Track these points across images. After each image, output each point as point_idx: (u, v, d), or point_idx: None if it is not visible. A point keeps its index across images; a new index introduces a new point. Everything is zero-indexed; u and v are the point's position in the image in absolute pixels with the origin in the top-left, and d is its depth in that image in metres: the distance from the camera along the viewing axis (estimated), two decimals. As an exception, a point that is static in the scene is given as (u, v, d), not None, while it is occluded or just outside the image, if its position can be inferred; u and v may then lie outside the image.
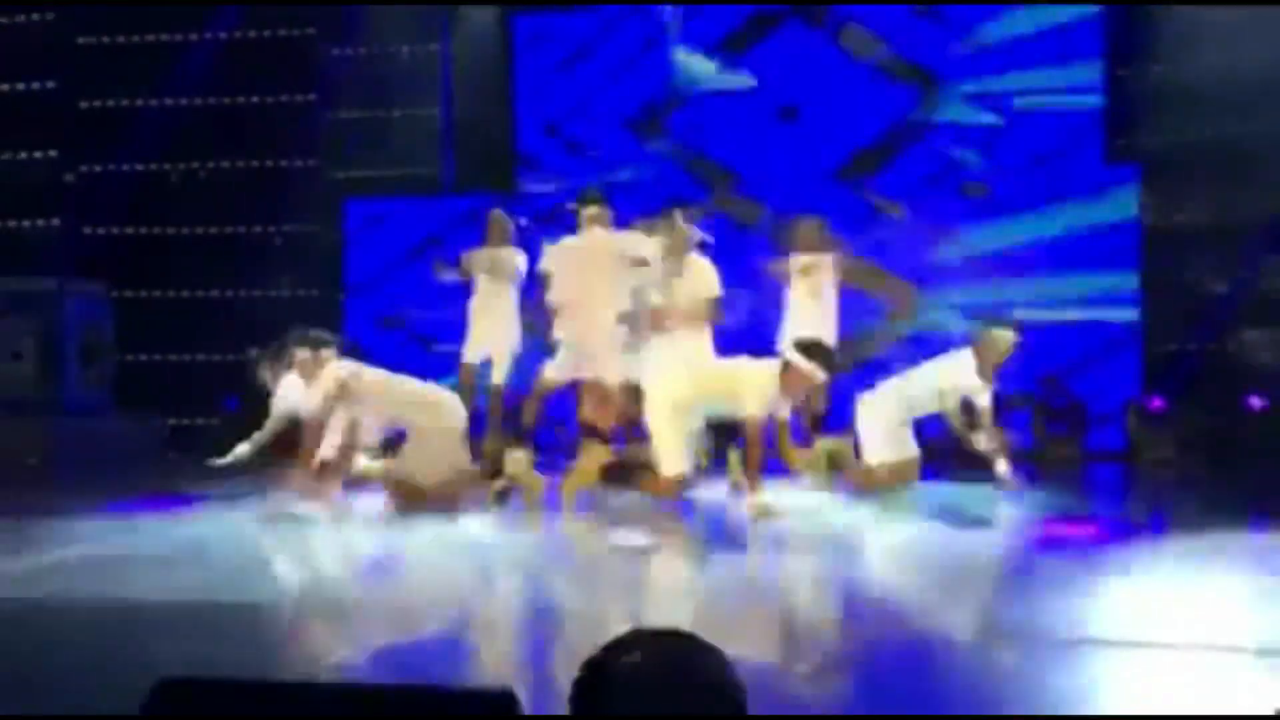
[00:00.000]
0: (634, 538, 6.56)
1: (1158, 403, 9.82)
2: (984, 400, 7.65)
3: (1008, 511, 7.41)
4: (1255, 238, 9.84)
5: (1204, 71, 9.74)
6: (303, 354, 7.67)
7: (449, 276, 8.82)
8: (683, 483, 7.05)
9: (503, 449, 8.18)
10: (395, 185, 11.56)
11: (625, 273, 7.93)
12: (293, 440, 7.81)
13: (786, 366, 6.93)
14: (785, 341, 8.24)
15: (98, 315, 11.20)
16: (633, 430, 7.94)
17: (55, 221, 11.89)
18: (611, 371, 7.95)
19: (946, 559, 6.20)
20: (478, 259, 8.72)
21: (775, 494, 7.23)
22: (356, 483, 7.85)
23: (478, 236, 8.97)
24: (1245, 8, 9.58)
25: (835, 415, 8.38)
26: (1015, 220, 10.31)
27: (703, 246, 8.18)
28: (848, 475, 7.88)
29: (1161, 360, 10.15)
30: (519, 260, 8.63)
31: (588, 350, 7.92)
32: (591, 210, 7.99)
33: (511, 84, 11.71)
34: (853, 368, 8.48)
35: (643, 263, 7.93)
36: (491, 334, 8.66)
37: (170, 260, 11.82)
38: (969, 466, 7.94)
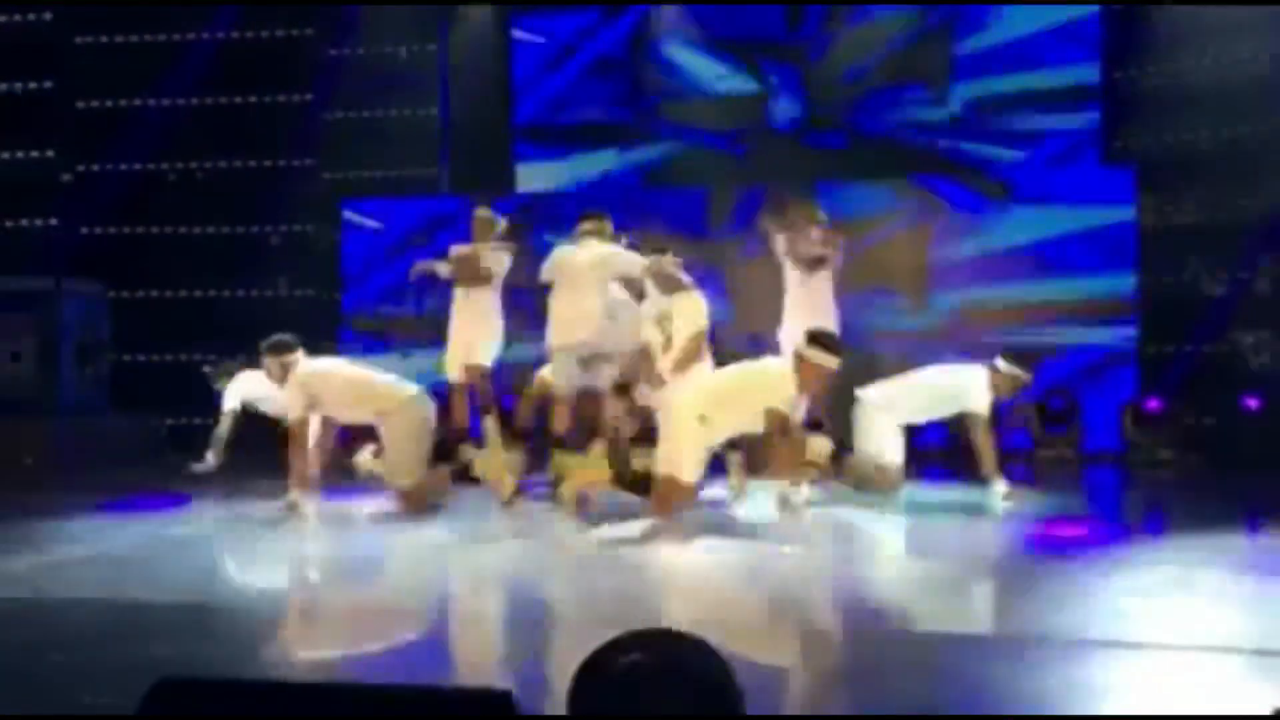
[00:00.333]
0: (625, 530, 6.62)
1: (1154, 404, 9.83)
2: (981, 423, 7.63)
3: (1003, 512, 7.41)
4: (1252, 238, 9.85)
5: (1201, 73, 9.75)
6: (270, 361, 7.68)
7: (429, 272, 8.80)
8: (693, 491, 7.05)
9: (467, 447, 8.30)
10: (392, 186, 11.56)
11: (613, 286, 8.00)
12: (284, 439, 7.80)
13: (800, 361, 6.91)
14: (786, 329, 8.29)
15: (94, 315, 11.20)
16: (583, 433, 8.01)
17: (52, 221, 11.88)
18: (605, 380, 8.03)
19: (943, 560, 6.20)
20: (461, 260, 8.68)
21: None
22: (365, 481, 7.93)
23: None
24: (1241, 9, 9.59)
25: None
26: (1013, 222, 10.31)
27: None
28: (849, 474, 7.86)
29: (1158, 361, 10.16)
30: (503, 260, 8.61)
31: (583, 358, 7.99)
32: (587, 225, 8.03)
33: (509, 85, 11.71)
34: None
35: (630, 279, 7.99)
36: (468, 341, 8.61)
37: (167, 260, 11.81)
38: (965, 467, 7.95)
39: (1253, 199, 9.77)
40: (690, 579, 5.81)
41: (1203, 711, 3.37)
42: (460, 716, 1.80)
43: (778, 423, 6.80)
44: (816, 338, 7.00)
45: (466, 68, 11.68)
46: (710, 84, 11.33)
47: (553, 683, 3.76)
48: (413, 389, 7.69)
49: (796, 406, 7.02)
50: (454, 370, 8.62)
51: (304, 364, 7.54)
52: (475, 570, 6.17)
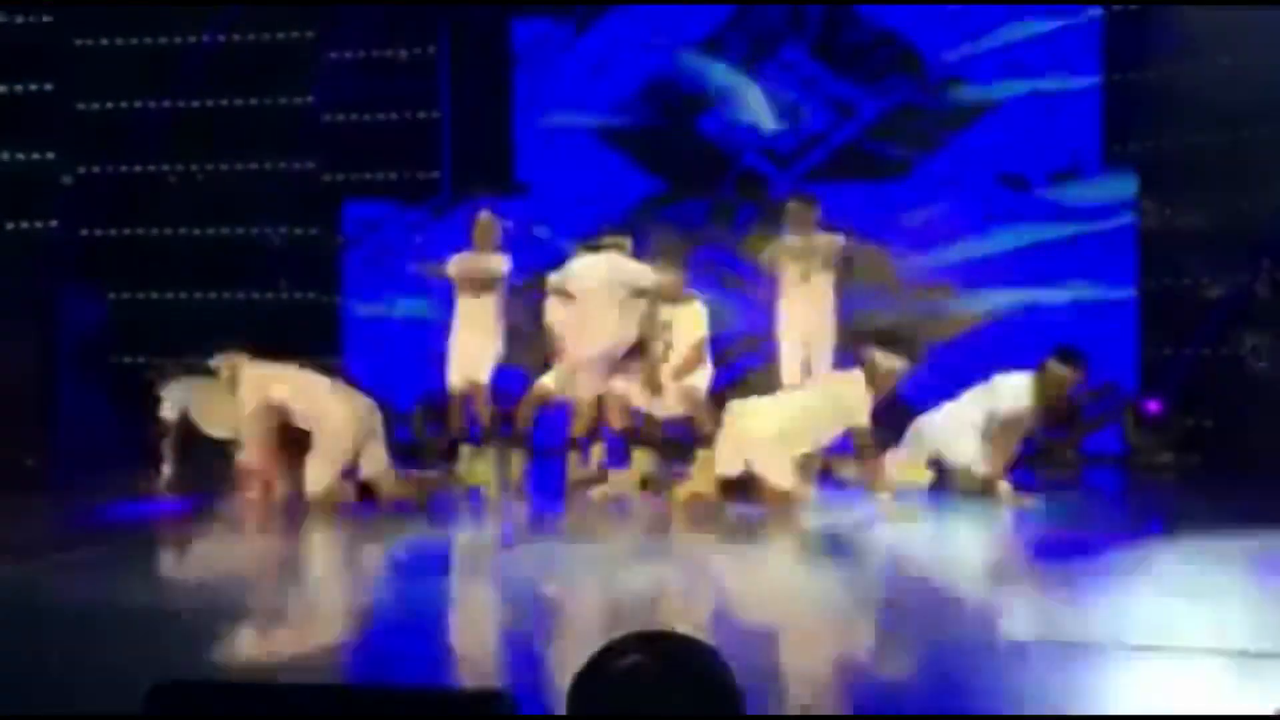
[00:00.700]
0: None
1: (1155, 406, 9.82)
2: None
3: (1005, 516, 7.41)
4: (1253, 241, 9.84)
5: (1202, 76, 9.74)
6: (219, 368, 7.72)
7: (435, 274, 8.84)
8: (793, 497, 7.08)
9: (455, 447, 8.40)
10: (393, 188, 11.55)
11: (629, 301, 8.04)
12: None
13: (870, 365, 6.96)
14: (784, 329, 8.34)
15: (94, 317, 11.18)
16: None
17: (52, 223, 11.87)
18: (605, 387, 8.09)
19: (944, 563, 6.20)
20: (463, 266, 8.71)
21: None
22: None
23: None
24: (1243, 12, 9.58)
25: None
26: (1013, 225, 10.30)
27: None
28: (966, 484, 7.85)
29: (1159, 364, 10.15)
30: (504, 267, 8.66)
31: (586, 366, 8.05)
32: (607, 240, 8.25)
33: (510, 87, 11.70)
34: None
35: (643, 294, 8.03)
36: (472, 354, 8.68)
37: (168, 262, 11.80)
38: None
39: (1255, 202, 9.76)
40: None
41: (1204, 712, 3.36)
42: (460, 717, 1.80)
43: (863, 435, 6.89)
44: (883, 340, 7.08)
45: (467, 70, 11.67)
46: (712, 87, 11.30)
47: (553, 684, 3.75)
48: (361, 395, 7.78)
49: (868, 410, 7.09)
50: (455, 377, 8.67)
51: (252, 366, 7.64)
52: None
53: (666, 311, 8.16)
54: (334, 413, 7.53)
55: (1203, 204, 9.96)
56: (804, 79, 11.07)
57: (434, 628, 5.02)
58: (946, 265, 10.36)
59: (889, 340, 7.17)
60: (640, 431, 8.22)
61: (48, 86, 11.82)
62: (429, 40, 11.61)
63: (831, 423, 7.11)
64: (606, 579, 5.71)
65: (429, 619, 5.09)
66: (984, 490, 7.68)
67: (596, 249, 8.28)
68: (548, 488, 8.29)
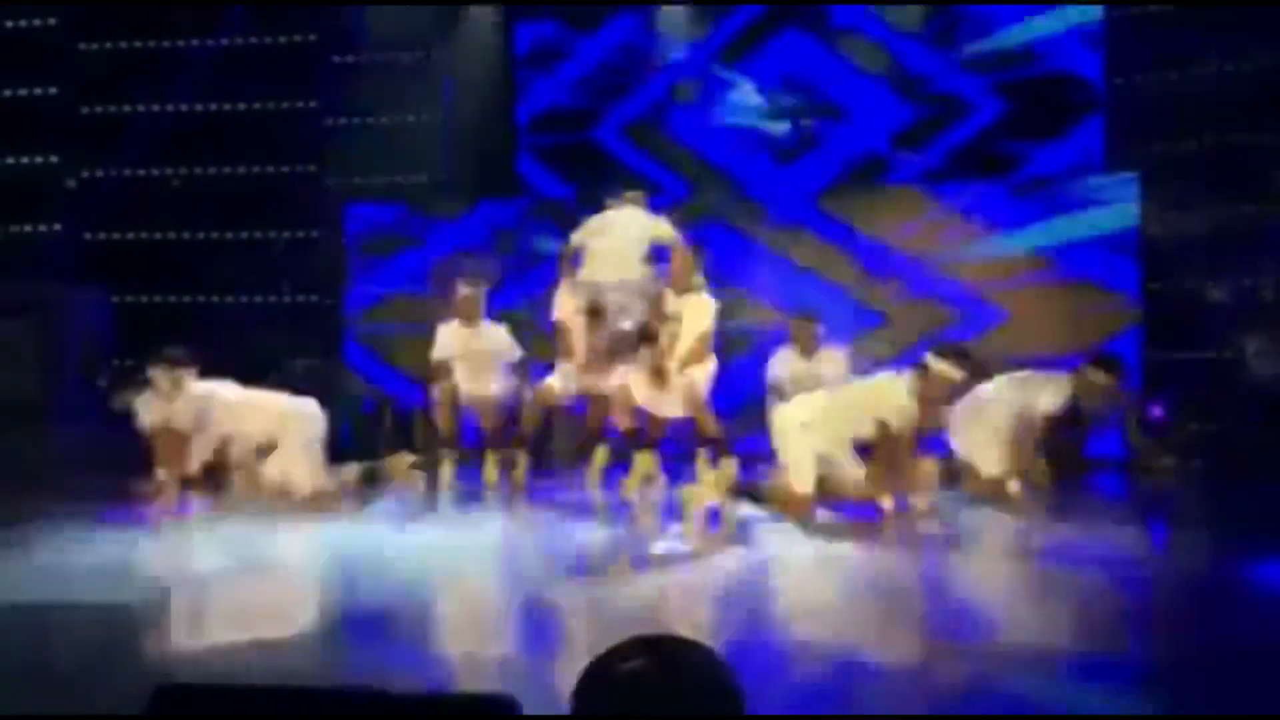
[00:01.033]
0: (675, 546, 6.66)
1: (1158, 411, 9.81)
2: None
3: (1008, 521, 7.40)
4: (1256, 245, 9.84)
5: (1204, 79, 9.75)
6: (158, 374, 7.73)
7: (438, 369, 8.75)
8: (811, 502, 7.07)
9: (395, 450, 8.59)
10: (396, 191, 11.56)
11: (645, 252, 8.29)
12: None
13: (925, 371, 6.96)
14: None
15: (98, 320, 11.20)
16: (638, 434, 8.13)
17: (56, 226, 11.90)
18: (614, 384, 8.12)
19: (948, 567, 6.20)
20: (462, 348, 8.64)
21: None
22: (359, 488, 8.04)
23: (478, 243, 9.08)
24: (1248, 15, 9.59)
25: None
26: (1016, 229, 10.30)
27: None
28: (975, 486, 7.84)
29: (1162, 369, 10.14)
30: (501, 344, 8.67)
31: (593, 365, 8.12)
32: (630, 193, 8.55)
33: (512, 90, 11.72)
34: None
35: (659, 242, 8.26)
36: (479, 374, 8.73)
37: (171, 266, 11.82)
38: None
39: (1258, 205, 9.76)
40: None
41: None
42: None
43: (897, 440, 6.88)
44: (944, 350, 7.09)
45: (470, 74, 11.68)
46: (715, 91, 11.33)
47: (556, 688, 3.75)
48: (308, 402, 7.90)
49: (913, 418, 7.04)
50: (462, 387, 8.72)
51: (197, 383, 7.70)
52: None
53: (673, 302, 8.17)
54: (295, 419, 7.77)
55: (1207, 207, 9.96)
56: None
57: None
58: (948, 271, 10.36)
59: (955, 353, 7.15)
60: (643, 433, 8.23)
61: (52, 90, 11.86)
62: (431, 44, 11.63)
63: (865, 417, 7.04)
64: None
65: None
66: (992, 491, 7.67)
67: (616, 204, 8.45)
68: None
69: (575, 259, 8.44)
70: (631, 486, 8.05)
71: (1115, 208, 10.15)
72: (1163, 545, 7.03)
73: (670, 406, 8.05)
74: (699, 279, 8.32)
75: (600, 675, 1.60)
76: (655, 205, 8.82)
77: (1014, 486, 7.68)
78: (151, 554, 6.68)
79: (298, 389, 8.31)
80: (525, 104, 11.70)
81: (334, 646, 4.68)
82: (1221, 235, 9.93)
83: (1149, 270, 10.15)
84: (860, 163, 11.08)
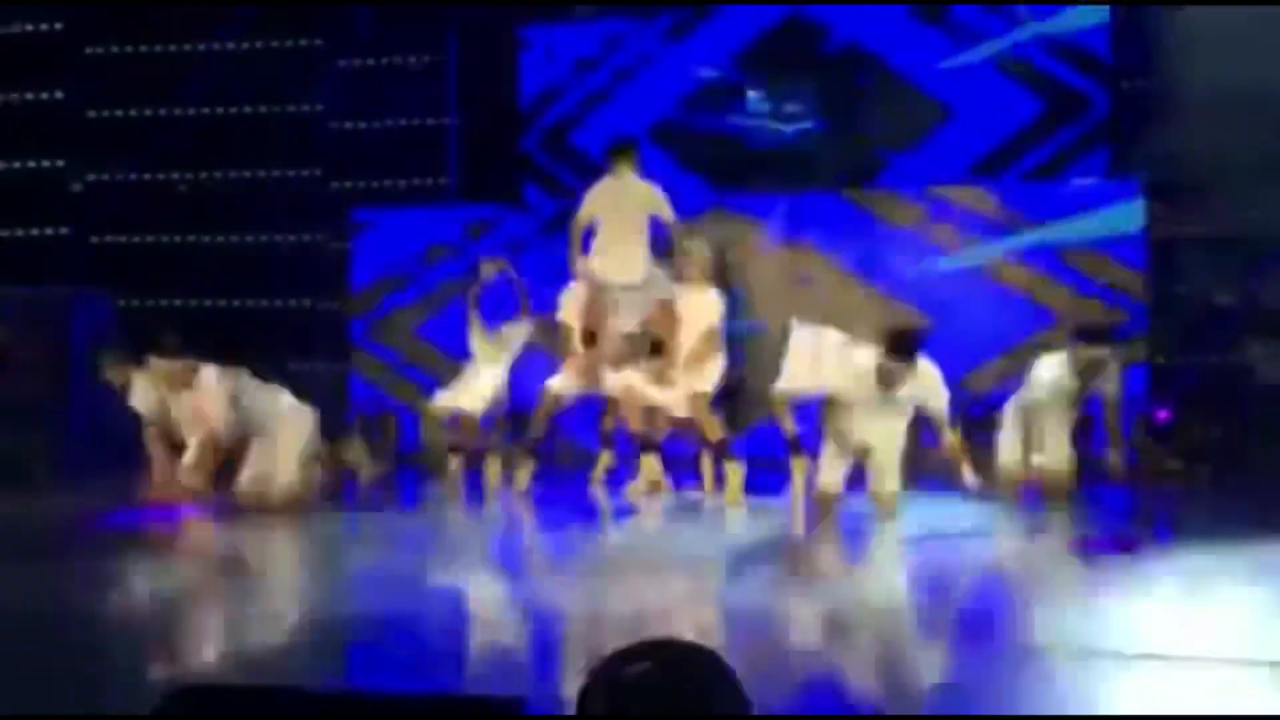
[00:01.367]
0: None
1: (1164, 415, 9.80)
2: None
3: (1014, 524, 7.40)
4: (1262, 249, 9.83)
5: (1210, 83, 9.73)
6: (167, 364, 7.74)
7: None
8: (834, 498, 7.06)
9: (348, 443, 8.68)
10: (402, 196, 11.58)
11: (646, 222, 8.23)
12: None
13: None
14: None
15: (105, 324, 11.21)
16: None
17: (63, 230, 11.92)
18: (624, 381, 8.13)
19: (952, 571, 6.20)
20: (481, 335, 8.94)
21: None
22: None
23: (484, 246, 9.13)
24: (1252, 19, 9.58)
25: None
26: (1020, 233, 10.30)
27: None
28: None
29: (1167, 373, 10.13)
30: (521, 335, 8.90)
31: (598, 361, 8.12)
32: (621, 156, 8.34)
33: (518, 94, 11.72)
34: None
35: (658, 217, 8.21)
36: (490, 387, 8.87)
37: (177, 270, 11.84)
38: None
39: (1264, 209, 9.74)
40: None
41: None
42: (474, 722, 1.81)
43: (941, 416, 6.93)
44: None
45: (476, 78, 11.69)
46: (720, 96, 11.32)
47: (562, 691, 3.76)
48: (304, 406, 7.99)
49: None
50: (464, 399, 8.81)
51: (210, 369, 7.68)
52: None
53: (681, 298, 8.17)
54: (292, 416, 7.81)
55: (1212, 211, 9.95)
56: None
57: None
58: (953, 269, 10.36)
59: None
60: (650, 435, 8.25)
61: (58, 94, 11.88)
62: (437, 47, 11.64)
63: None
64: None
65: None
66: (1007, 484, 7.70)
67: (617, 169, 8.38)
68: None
69: (585, 240, 8.38)
70: (638, 490, 8.06)
71: (1120, 212, 10.15)
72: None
73: (675, 407, 8.05)
74: (702, 258, 8.32)
75: (605, 678, 1.60)
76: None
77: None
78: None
79: (301, 393, 8.32)
80: (531, 107, 11.69)
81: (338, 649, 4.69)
82: (1228, 239, 9.93)
83: (1155, 274, 10.14)
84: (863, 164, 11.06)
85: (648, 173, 8.67)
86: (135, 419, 8.18)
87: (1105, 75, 10.64)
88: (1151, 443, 9.73)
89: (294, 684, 3.48)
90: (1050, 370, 7.72)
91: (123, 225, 11.91)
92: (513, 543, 7.50)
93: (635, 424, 8.25)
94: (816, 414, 7.47)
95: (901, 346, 6.85)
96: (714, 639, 4.46)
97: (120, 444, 10.55)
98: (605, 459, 8.54)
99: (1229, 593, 5.27)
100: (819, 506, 7.04)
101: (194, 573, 6.42)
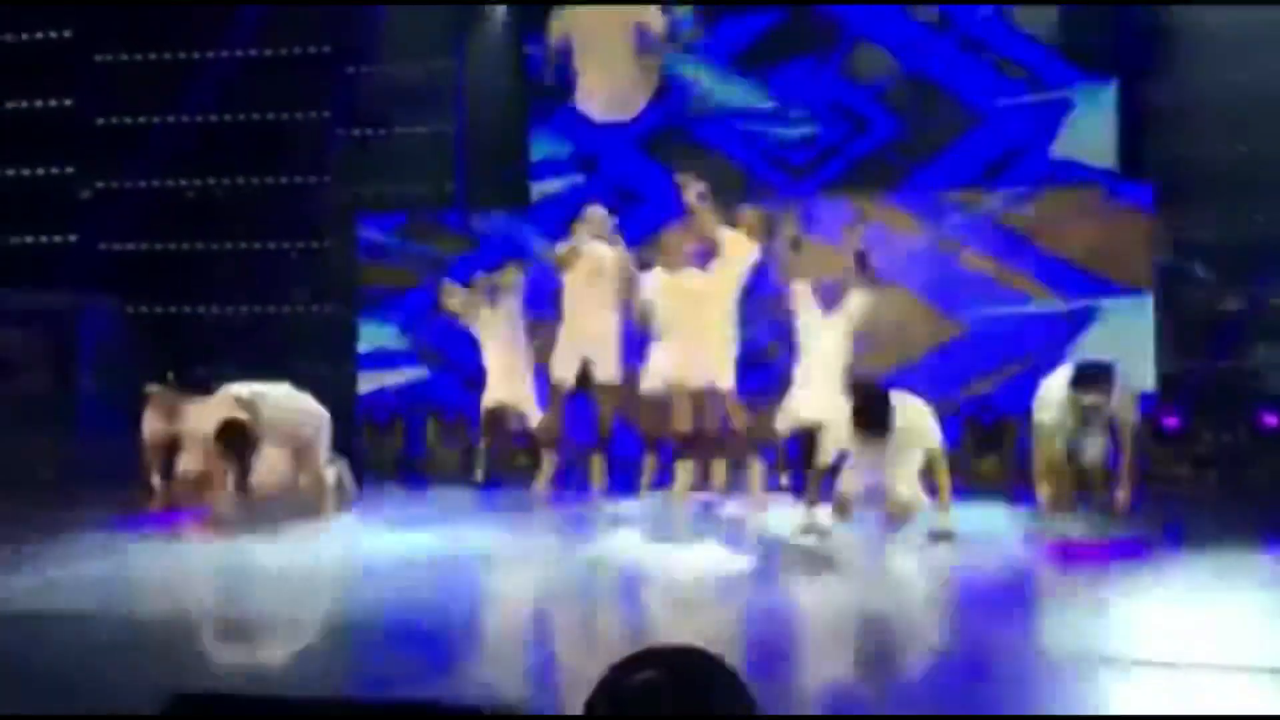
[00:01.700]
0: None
1: (1171, 421, 9.77)
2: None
3: (1021, 529, 7.38)
4: (1269, 255, 9.81)
5: (1218, 88, 9.71)
6: (194, 397, 7.85)
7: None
8: (849, 504, 7.04)
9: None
10: (409, 201, 11.58)
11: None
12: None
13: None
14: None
15: (112, 331, 11.24)
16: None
17: (71, 237, 11.95)
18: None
19: (958, 576, 6.19)
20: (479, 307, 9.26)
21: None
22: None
23: (488, 251, 9.23)
24: (1260, 22, 9.56)
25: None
26: (1028, 237, 10.27)
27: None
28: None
29: (1175, 378, 10.10)
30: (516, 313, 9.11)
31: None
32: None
33: (526, 100, 11.71)
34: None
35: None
36: (506, 379, 9.00)
37: (185, 276, 11.86)
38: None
39: (1272, 214, 9.72)
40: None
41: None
42: (476, 732, 1.81)
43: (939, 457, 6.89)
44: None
45: (483, 84, 11.69)
46: (727, 101, 11.30)
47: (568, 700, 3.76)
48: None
49: None
50: (491, 397, 8.96)
51: (235, 387, 7.72)
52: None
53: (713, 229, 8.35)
54: (322, 424, 7.86)
55: (1220, 216, 9.93)
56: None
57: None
58: (956, 271, 10.34)
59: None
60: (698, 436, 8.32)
61: (67, 102, 11.92)
62: (445, 54, 11.64)
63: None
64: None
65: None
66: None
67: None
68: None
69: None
70: (678, 494, 8.09)
71: (1127, 217, 10.12)
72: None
73: (698, 376, 8.12)
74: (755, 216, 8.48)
75: (613, 686, 1.60)
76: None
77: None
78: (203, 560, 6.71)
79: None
80: (538, 115, 11.68)
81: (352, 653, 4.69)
82: (1236, 244, 9.90)
83: (1163, 279, 10.10)
84: (864, 167, 11.05)
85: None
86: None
87: (1114, 80, 10.59)
88: (1160, 448, 9.71)
89: (295, 695, 3.48)
90: (1057, 392, 7.64)
91: (131, 232, 11.92)
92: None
93: (682, 427, 8.26)
94: None
95: (869, 420, 6.70)
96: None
97: (128, 450, 10.60)
98: (651, 464, 8.61)
99: (1234, 598, 5.26)
100: (836, 511, 7.02)
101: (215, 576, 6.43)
